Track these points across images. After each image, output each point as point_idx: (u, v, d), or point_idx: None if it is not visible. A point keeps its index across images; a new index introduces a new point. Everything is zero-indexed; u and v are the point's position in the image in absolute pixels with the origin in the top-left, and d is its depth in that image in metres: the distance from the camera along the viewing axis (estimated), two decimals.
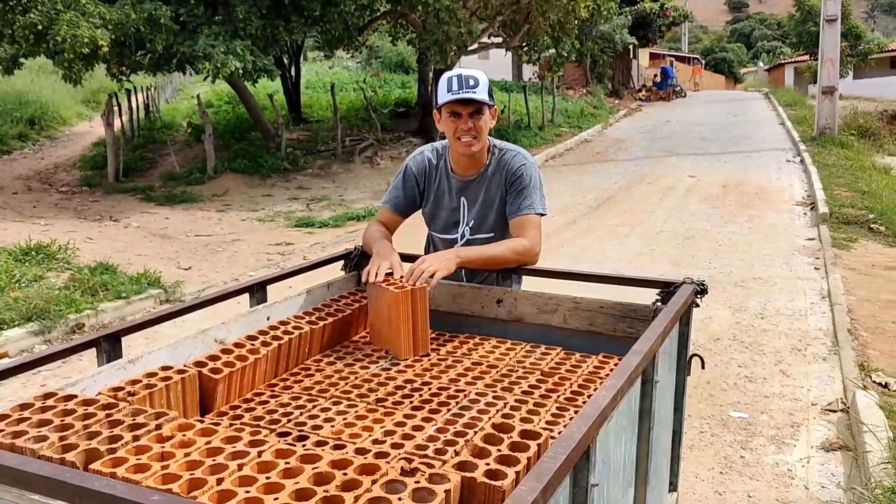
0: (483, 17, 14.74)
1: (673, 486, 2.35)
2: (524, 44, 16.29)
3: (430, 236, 2.72)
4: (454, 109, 2.34)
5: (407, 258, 2.37)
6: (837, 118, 15.74)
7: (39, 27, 9.50)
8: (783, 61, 42.72)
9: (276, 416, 1.67)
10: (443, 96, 2.33)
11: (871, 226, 8.30)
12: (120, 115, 15.26)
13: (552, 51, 17.17)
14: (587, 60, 25.34)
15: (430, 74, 15.77)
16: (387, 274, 2.18)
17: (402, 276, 2.16)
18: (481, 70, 2.48)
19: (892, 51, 31.76)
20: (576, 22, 15.68)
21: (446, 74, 2.37)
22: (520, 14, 14.85)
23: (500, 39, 16.70)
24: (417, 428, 1.54)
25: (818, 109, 15.85)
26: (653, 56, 37.85)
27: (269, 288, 2.38)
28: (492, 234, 2.51)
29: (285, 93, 17.56)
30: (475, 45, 15.66)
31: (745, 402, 4.23)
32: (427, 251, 2.69)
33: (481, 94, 2.31)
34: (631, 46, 27.36)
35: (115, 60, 10.78)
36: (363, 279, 2.22)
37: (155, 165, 13.73)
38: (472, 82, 2.30)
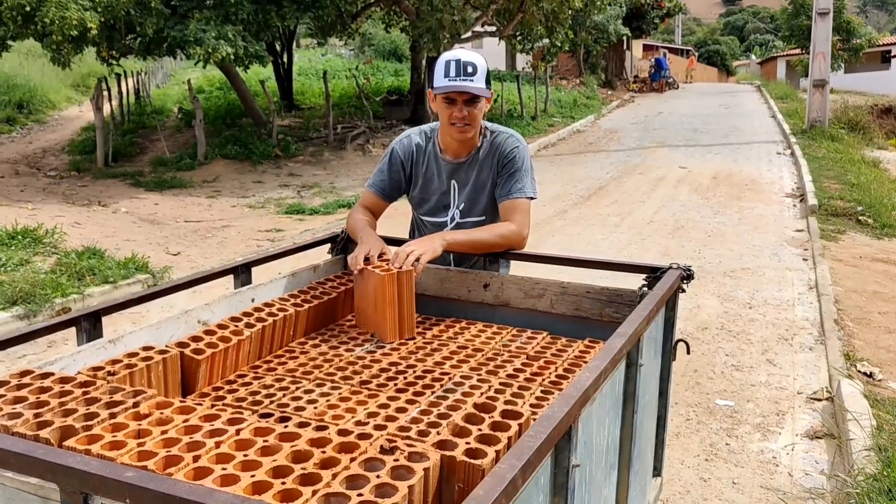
0: (476, 5, 14.65)
1: (657, 472, 2.35)
2: (518, 33, 16.21)
3: (416, 220, 2.65)
4: (450, 96, 2.28)
5: (392, 242, 2.35)
6: (828, 111, 15.78)
7: (27, 8, 9.36)
8: (775, 54, 42.77)
9: (258, 397, 1.65)
10: (439, 80, 2.25)
11: (860, 218, 8.35)
12: (109, 100, 15.12)
13: (546, 40, 17.09)
14: (581, 51, 25.27)
15: (424, 62, 15.69)
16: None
17: (388, 259, 2.14)
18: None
19: (884, 45, 31.81)
20: (570, 12, 15.59)
21: (445, 56, 2.27)
22: (513, 3, 14.77)
23: (493, 28, 16.61)
24: (401, 410, 1.53)
25: (809, 103, 15.88)
26: (646, 47, 37.75)
27: (255, 271, 2.36)
28: (482, 218, 2.48)
29: (277, 79, 17.44)
30: (468, 34, 15.57)
31: (731, 390, 4.25)
32: (412, 236, 2.64)
33: (479, 83, 2.24)
34: (625, 37, 27.27)
35: (104, 44, 10.65)
36: (350, 265, 2.19)
37: (145, 151, 13.62)
38: (469, 69, 2.22)
